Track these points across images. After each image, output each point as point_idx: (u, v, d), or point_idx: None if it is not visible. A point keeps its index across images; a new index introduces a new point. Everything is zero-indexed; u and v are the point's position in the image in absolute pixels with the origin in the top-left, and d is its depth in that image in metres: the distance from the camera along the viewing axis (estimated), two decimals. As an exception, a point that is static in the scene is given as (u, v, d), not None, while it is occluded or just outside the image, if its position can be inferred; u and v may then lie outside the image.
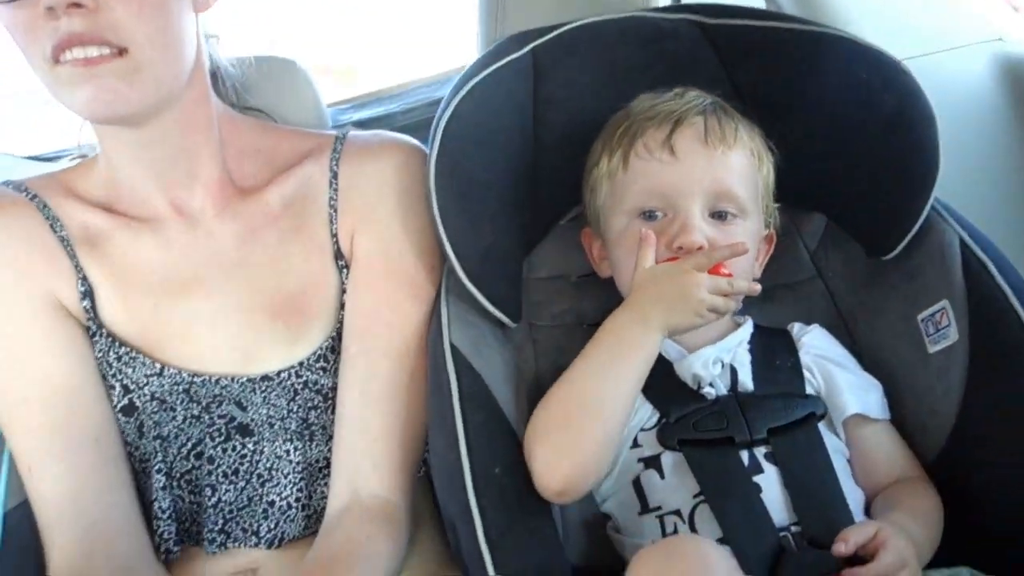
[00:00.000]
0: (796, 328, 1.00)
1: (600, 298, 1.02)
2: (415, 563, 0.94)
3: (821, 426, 0.92)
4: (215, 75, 0.97)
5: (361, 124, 1.32)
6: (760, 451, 0.88)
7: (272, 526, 0.93)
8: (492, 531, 0.79)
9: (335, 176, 0.96)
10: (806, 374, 0.95)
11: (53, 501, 0.85)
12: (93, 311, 0.90)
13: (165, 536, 0.91)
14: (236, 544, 0.93)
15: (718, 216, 0.92)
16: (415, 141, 1.01)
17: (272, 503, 0.93)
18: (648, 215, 0.93)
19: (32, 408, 0.86)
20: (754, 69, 1.03)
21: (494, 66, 1.00)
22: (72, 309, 0.90)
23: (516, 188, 1.00)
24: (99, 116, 0.82)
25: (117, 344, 0.90)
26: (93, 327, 0.90)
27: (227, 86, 1.00)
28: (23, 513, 0.89)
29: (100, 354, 0.90)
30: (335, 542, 0.86)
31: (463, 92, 0.97)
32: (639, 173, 0.93)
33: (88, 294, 0.90)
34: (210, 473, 0.92)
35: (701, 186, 0.91)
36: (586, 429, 0.86)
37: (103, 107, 0.79)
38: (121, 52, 0.78)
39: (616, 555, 0.94)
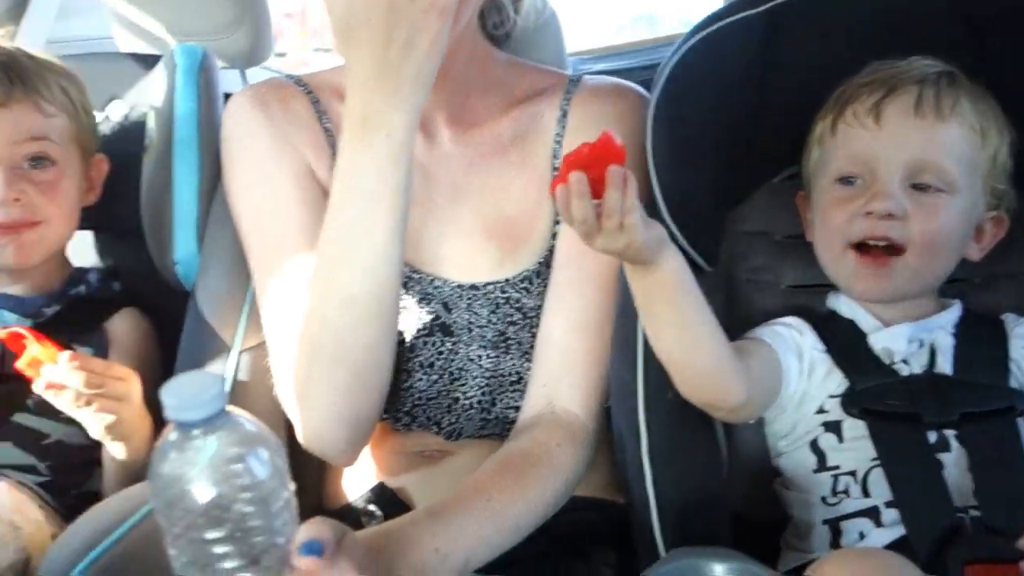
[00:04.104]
0: (1010, 319, 0.96)
1: (801, 261, 1.01)
2: (589, 479, 0.97)
3: (1021, 422, 0.88)
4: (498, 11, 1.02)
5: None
6: (950, 432, 0.87)
7: (453, 420, 1.00)
8: (655, 447, 0.82)
9: (564, 115, 1.00)
10: (1012, 367, 0.91)
11: (291, 321, 0.92)
12: None
13: None
14: (419, 429, 1.01)
15: (920, 188, 0.90)
16: (644, 91, 1.04)
17: (456, 399, 1.00)
18: (847, 180, 0.93)
19: (285, 247, 0.95)
20: (1008, 41, 0.98)
21: (728, 20, 1.01)
22: (324, 186, 0.99)
23: (731, 138, 1.01)
24: None
25: None
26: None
27: (494, 18, 1.04)
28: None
29: None
30: (526, 441, 0.91)
31: (693, 40, 0.99)
32: (844, 138, 0.93)
33: None
34: (409, 360, 1.00)
35: (903, 155, 0.90)
36: None
37: None
38: None
39: (778, 510, 0.95)
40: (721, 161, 1.01)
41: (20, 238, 1.11)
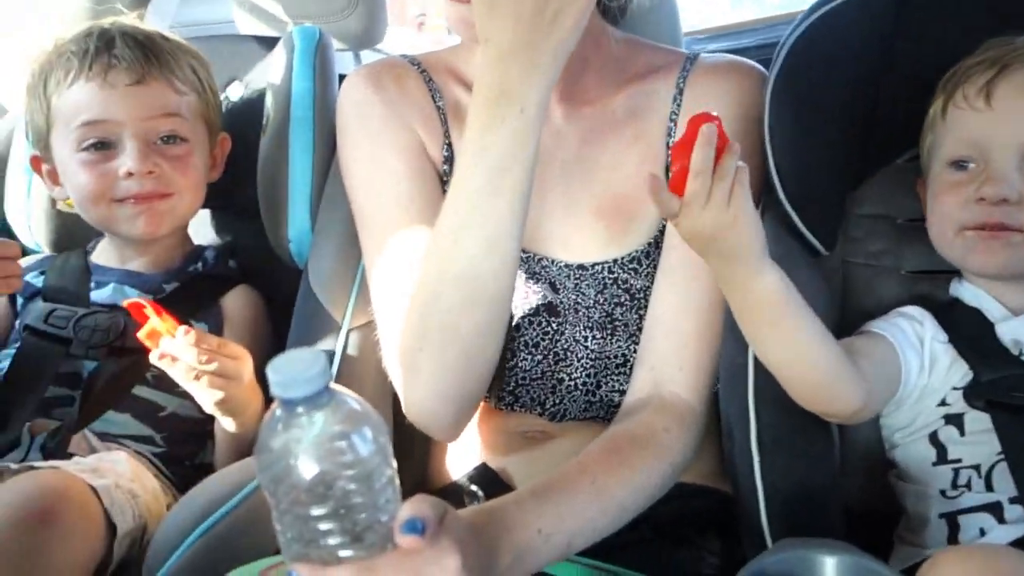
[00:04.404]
0: None
1: (924, 246, 0.97)
2: (694, 467, 0.95)
3: None
4: None
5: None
6: None
7: (557, 401, 1.00)
8: (765, 436, 0.80)
9: (680, 92, 0.99)
10: None
11: (400, 294, 0.93)
12: (450, 174, 1.00)
13: None
14: (522, 409, 1.01)
15: None
16: (763, 68, 1.01)
17: (561, 380, 0.99)
18: (959, 164, 0.89)
19: (396, 222, 0.96)
20: None
21: (854, -6, 0.98)
22: (436, 164, 1.01)
23: (852, 118, 0.98)
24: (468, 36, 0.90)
25: None
26: (448, 187, 1.01)
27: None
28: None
29: None
30: (634, 425, 0.90)
31: (817, 15, 0.96)
32: (955, 121, 0.90)
33: (449, 160, 1.00)
34: (514, 339, 1.00)
35: (1015, 137, 0.86)
36: None
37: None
38: None
39: (891, 503, 0.92)
40: (841, 141, 0.98)
41: (152, 208, 1.17)
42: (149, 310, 1.00)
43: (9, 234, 1.34)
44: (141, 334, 1.00)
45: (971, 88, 0.89)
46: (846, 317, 0.99)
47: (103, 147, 1.15)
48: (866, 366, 0.85)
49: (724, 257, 0.78)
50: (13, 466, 0.99)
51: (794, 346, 0.81)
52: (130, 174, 1.14)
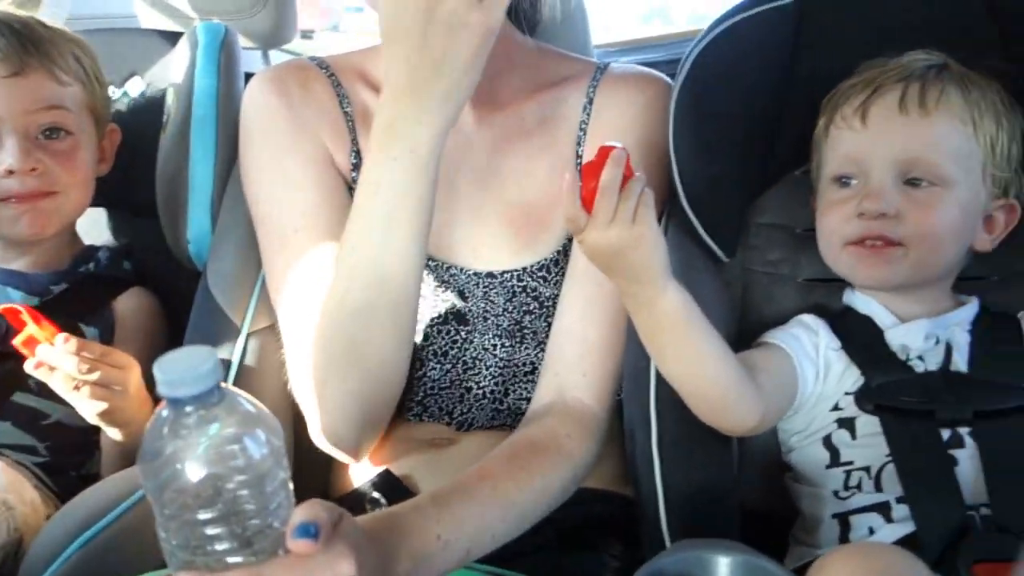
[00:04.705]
0: None
1: (819, 255, 0.99)
2: (597, 471, 0.96)
3: (1039, 422, 0.86)
4: None
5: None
6: (964, 429, 0.86)
7: (465, 410, 0.99)
8: (666, 438, 0.82)
9: (590, 101, 0.99)
10: None
11: (305, 315, 0.92)
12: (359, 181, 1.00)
13: None
14: (431, 419, 1.00)
15: (913, 184, 0.90)
16: (670, 79, 1.03)
17: (469, 389, 0.99)
18: (843, 181, 0.94)
19: (299, 237, 0.95)
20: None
21: (757, 9, 1.00)
22: (343, 173, 0.99)
23: (754, 129, 1.01)
24: None
25: None
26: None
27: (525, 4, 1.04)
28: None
29: None
30: (536, 431, 0.90)
31: (719, 29, 0.98)
32: (836, 141, 0.95)
33: (357, 166, 0.98)
34: (423, 349, 0.99)
35: (890, 153, 0.90)
36: None
37: None
38: None
39: (787, 504, 0.95)
40: (742, 152, 1.01)
41: (36, 208, 1.10)
42: (26, 315, 0.95)
43: None
44: (16, 341, 0.95)
45: (848, 109, 0.93)
46: (746, 322, 1.01)
47: None
48: (764, 381, 0.88)
49: (627, 276, 0.80)
50: None
51: (695, 362, 0.83)
52: (10, 172, 1.07)
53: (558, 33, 1.14)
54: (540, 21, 1.06)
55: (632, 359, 0.90)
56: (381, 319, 0.84)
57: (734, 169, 1.00)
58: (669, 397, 0.84)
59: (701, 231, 0.95)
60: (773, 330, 0.97)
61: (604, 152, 0.77)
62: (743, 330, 1.00)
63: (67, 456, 1.10)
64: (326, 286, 0.87)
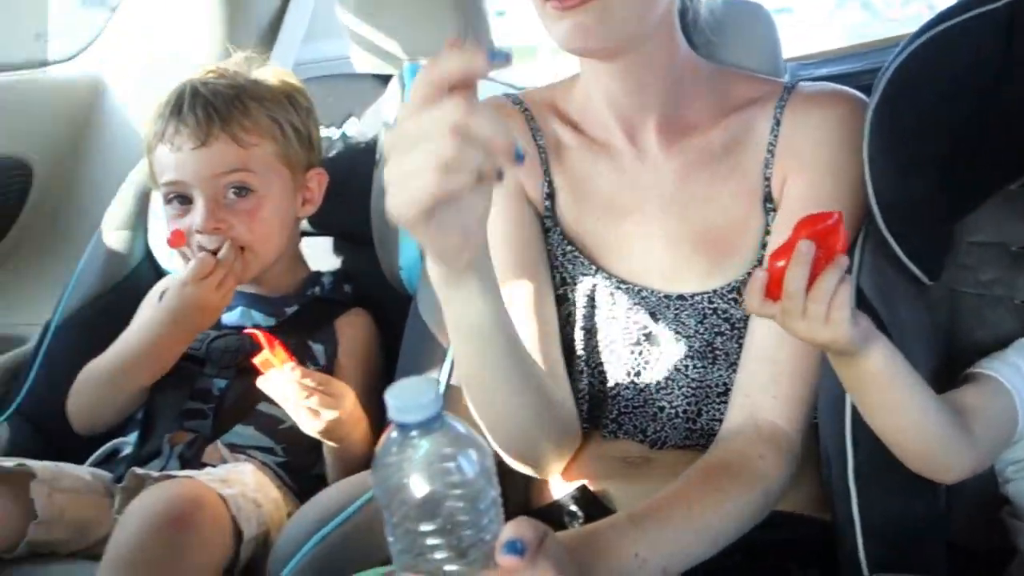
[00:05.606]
0: None
1: (1040, 275, 0.95)
2: (793, 495, 0.96)
3: None
4: (685, 15, 1.04)
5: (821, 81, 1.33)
6: None
7: (658, 428, 1.01)
8: (863, 468, 0.80)
9: (778, 123, 0.99)
10: None
11: None
12: (551, 210, 1.04)
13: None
14: (626, 436, 1.03)
15: None
16: (863, 96, 1.00)
17: (662, 408, 1.01)
18: None
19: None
20: None
21: (961, 17, 0.95)
22: (535, 203, 1.05)
23: (958, 145, 0.95)
24: (572, 48, 0.93)
25: (565, 242, 1.04)
26: (549, 223, 1.05)
27: (699, 27, 1.06)
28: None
29: (551, 247, 1.04)
30: (728, 451, 0.92)
31: (920, 41, 0.94)
32: None
33: (550, 196, 1.04)
34: (617, 369, 1.03)
35: None
36: None
37: (575, 41, 0.90)
38: None
39: (1003, 540, 0.90)
40: (947, 168, 0.95)
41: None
42: (263, 340, 1.09)
43: (152, 260, 1.46)
44: (256, 360, 1.10)
45: None
46: (957, 348, 0.97)
47: (184, 201, 1.23)
48: (978, 429, 0.84)
49: (832, 351, 0.79)
50: (154, 474, 1.08)
51: (902, 417, 0.81)
52: (198, 231, 1.21)
53: (744, 49, 1.13)
54: (705, 35, 1.06)
55: (828, 385, 0.88)
56: (491, 396, 0.89)
57: (939, 186, 0.95)
58: (866, 426, 0.82)
59: (901, 255, 0.92)
60: (988, 358, 0.92)
61: (799, 230, 0.74)
62: (953, 357, 0.96)
63: (301, 457, 1.24)
64: (513, 315, 0.90)
